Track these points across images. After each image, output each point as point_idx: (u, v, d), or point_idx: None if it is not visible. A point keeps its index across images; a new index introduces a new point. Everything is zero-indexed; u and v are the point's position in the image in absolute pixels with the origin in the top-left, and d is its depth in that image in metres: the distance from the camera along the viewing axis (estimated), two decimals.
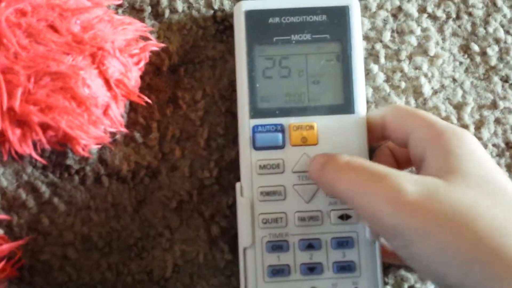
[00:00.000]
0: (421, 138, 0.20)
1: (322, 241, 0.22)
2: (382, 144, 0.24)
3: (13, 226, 0.24)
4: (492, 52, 0.26)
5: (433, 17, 0.26)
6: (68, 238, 0.24)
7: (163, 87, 0.25)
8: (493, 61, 0.26)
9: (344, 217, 0.22)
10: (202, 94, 0.25)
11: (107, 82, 0.22)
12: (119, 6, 0.25)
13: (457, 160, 0.18)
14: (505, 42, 0.26)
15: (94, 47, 0.22)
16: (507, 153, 0.26)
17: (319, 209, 0.22)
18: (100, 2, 0.23)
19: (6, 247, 0.23)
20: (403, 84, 0.26)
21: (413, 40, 0.26)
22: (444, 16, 0.26)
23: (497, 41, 0.26)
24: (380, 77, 0.25)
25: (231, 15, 0.25)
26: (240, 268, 0.22)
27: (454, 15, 0.26)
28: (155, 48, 0.24)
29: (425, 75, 0.26)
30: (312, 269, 0.22)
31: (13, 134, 0.22)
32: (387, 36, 0.26)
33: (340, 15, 0.23)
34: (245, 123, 0.22)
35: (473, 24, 0.26)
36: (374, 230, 0.20)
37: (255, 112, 0.22)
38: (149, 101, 0.24)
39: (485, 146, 0.26)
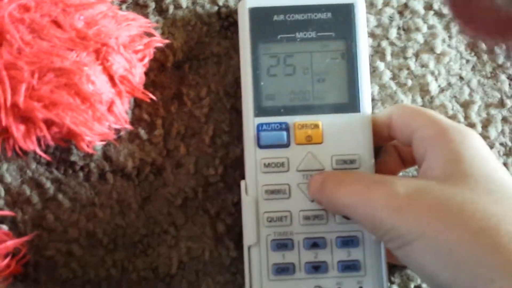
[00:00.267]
0: (424, 136, 0.20)
1: (327, 240, 0.22)
2: (389, 144, 0.24)
3: (17, 222, 0.24)
4: (499, 50, 0.26)
5: (439, 14, 0.26)
6: (73, 234, 0.24)
7: (167, 83, 0.25)
8: (500, 59, 0.26)
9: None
10: (207, 90, 0.25)
11: (111, 78, 0.22)
12: (123, 1, 0.25)
13: (458, 159, 0.18)
14: None
15: (98, 43, 0.22)
16: None
17: (323, 208, 0.22)
18: None
19: (11, 243, 0.23)
20: (409, 82, 0.25)
21: (420, 38, 0.25)
22: (450, 14, 0.26)
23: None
24: (386, 75, 0.25)
25: (235, 11, 0.25)
26: (245, 266, 0.22)
27: None
28: (159, 44, 0.24)
29: (432, 73, 0.25)
30: (316, 268, 0.22)
31: (17, 130, 0.22)
32: (393, 33, 0.25)
33: (345, 13, 0.22)
34: (250, 122, 0.22)
35: None
36: (376, 236, 0.20)
37: (260, 111, 0.22)
38: (154, 97, 0.24)
39: (492, 144, 0.25)
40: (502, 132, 0.25)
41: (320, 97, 0.22)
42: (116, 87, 0.23)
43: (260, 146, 0.22)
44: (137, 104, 0.25)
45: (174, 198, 0.25)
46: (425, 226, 0.17)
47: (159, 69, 0.25)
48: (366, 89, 0.22)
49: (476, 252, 0.16)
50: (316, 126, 0.22)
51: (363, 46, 0.23)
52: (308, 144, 0.22)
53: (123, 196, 0.25)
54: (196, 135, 0.25)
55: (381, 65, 0.25)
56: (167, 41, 0.24)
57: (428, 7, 0.26)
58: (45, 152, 0.23)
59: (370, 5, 0.25)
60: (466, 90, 0.26)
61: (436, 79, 0.25)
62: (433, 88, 0.25)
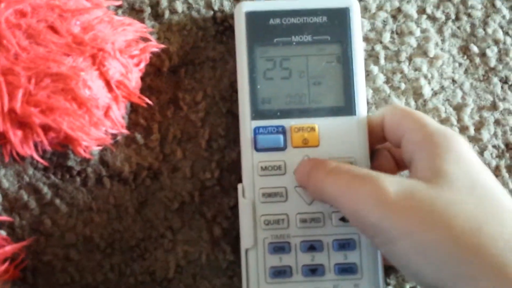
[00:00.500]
0: (411, 140, 0.20)
1: (323, 242, 0.22)
2: (380, 146, 0.24)
3: (15, 228, 0.24)
4: (492, 53, 0.26)
5: (432, 18, 0.26)
6: (70, 239, 0.24)
7: (163, 88, 0.25)
8: (493, 62, 0.26)
9: (346, 219, 0.22)
10: (202, 95, 0.25)
11: (107, 83, 0.22)
12: (119, 7, 0.25)
13: (443, 163, 0.19)
14: (504, 43, 0.26)
15: (94, 48, 0.22)
16: (507, 154, 0.26)
17: (320, 211, 0.22)
18: (99, 3, 0.23)
19: (9, 248, 0.23)
20: (403, 86, 0.26)
21: (413, 41, 0.26)
22: (443, 17, 0.26)
23: (496, 42, 0.26)
24: (380, 78, 0.26)
25: (231, 16, 0.25)
26: (242, 269, 0.22)
27: (453, 16, 0.26)
28: (155, 49, 0.24)
29: (425, 76, 0.26)
30: (313, 270, 0.22)
31: (15, 135, 0.22)
32: (386, 37, 0.26)
33: (340, 17, 0.23)
34: (246, 125, 0.22)
35: (472, 25, 0.26)
36: (358, 228, 0.20)
37: (256, 114, 0.22)
38: (150, 102, 0.24)
39: (485, 147, 0.26)
40: (495, 134, 0.26)
41: (316, 100, 0.23)
42: (112, 92, 0.23)
43: (257, 149, 0.22)
44: (134, 109, 0.25)
45: (170, 202, 0.25)
46: (410, 225, 0.17)
47: (155, 74, 0.25)
48: (362, 92, 0.23)
49: (460, 252, 0.17)
50: (313, 129, 0.22)
51: (359, 49, 0.23)
52: (305, 147, 0.22)
53: (120, 201, 0.25)
54: (192, 139, 0.25)
55: (375, 69, 0.26)
56: (163, 46, 0.25)
57: (421, 11, 0.26)
58: (42, 157, 0.24)
59: (364, 9, 0.26)
60: (459, 93, 0.26)
61: (429, 83, 0.26)
62: (426, 91, 0.26)
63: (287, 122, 0.22)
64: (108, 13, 0.23)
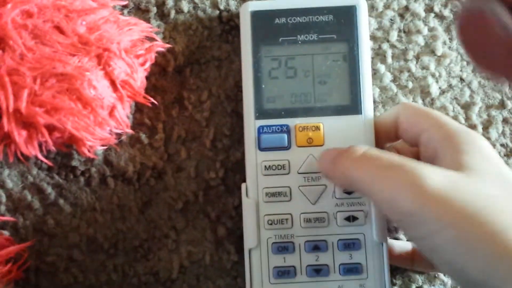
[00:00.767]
0: (433, 138, 0.20)
1: (328, 242, 0.22)
2: (388, 145, 0.24)
3: (18, 228, 0.24)
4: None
5: (440, 17, 0.26)
6: (73, 239, 0.24)
7: (169, 87, 0.25)
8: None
9: (351, 219, 0.22)
10: (208, 94, 0.25)
11: (113, 83, 0.22)
12: (125, 6, 0.25)
13: (471, 159, 0.18)
14: None
15: (100, 48, 0.22)
16: None
17: (325, 211, 0.22)
18: (105, 3, 0.23)
19: (12, 249, 0.23)
20: (410, 84, 0.25)
21: (420, 40, 0.25)
22: (451, 16, 0.26)
23: None
24: (387, 77, 0.25)
25: (236, 15, 0.25)
26: (246, 269, 0.22)
27: None
28: (161, 49, 0.24)
29: (433, 75, 0.25)
30: (318, 271, 0.22)
31: (19, 135, 0.22)
32: (394, 35, 0.25)
33: (347, 15, 0.23)
34: (251, 124, 0.22)
35: None
36: (391, 218, 0.19)
37: (261, 113, 0.22)
38: (155, 102, 0.24)
39: (493, 146, 0.25)
40: (503, 133, 0.25)
41: (321, 99, 0.22)
42: (117, 92, 0.23)
43: (261, 148, 0.22)
44: (138, 108, 0.25)
45: (174, 202, 0.25)
46: (454, 218, 0.17)
47: (161, 74, 0.25)
48: (368, 91, 0.22)
49: (504, 248, 0.16)
50: (317, 128, 0.22)
51: (365, 48, 0.23)
52: (309, 146, 0.22)
53: (124, 201, 0.25)
54: (197, 139, 0.25)
55: (382, 68, 0.25)
56: (168, 45, 0.24)
57: (429, 9, 0.26)
58: (46, 157, 0.24)
59: (371, 7, 0.25)
60: (467, 92, 0.26)
61: (437, 81, 0.25)
62: (434, 90, 0.25)
63: (292, 121, 0.22)
64: (114, 13, 0.23)
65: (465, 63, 0.26)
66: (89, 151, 0.23)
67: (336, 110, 0.22)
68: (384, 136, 0.22)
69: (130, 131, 0.24)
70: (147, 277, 0.24)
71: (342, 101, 0.22)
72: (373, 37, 0.25)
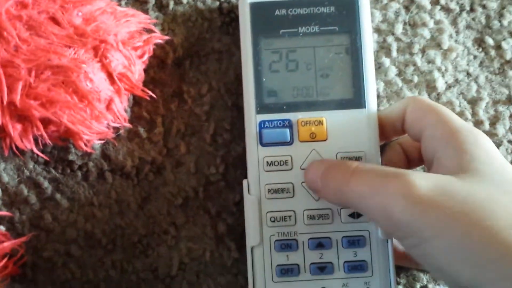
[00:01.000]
0: (434, 135, 0.19)
1: (332, 240, 0.22)
2: (393, 140, 0.23)
3: (15, 223, 0.24)
4: (507, 45, 0.25)
5: (446, 9, 0.25)
6: (71, 235, 0.24)
7: (167, 80, 0.24)
8: (508, 55, 0.25)
9: (355, 215, 0.22)
10: (207, 88, 0.24)
11: (110, 76, 0.22)
12: None
13: (472, 159, 0.18)
14: None
15: (96, 40, 0.21)
16: None
17: (329, 207, 0.22)
18: None
19: (8, 244, 0.22)
20: (415, 78, 0.25)
21: (426, 33, 0.25)
22: (457, 9, 0.25)
23: None
24: (392, 71, 0.25)
25: (237, 7, 0.24)
26: (248, 267, 0.22)
27: (468, 7, 0.25)
28: (159, 41, 0.24)
29: (439, 69, 0.25)
30: (322, 268, 0.21)
31: (14, 129, 0.21)
32: (399, 28, 0.25)
33: (349, 6, 0.22)
34: (252, 119, 0.22)
35: (488, 17, 0.25)
36: (386, 230, 0.20)
37: (262, 107, 0.22)
38: (154, 95, 0.24)
39: (500, 142, 0.25)
40: (510, 129, 0.25)
41: (324, 93, 0.22)
42: (114, 85, 0.22)
43: (263, 144, 0.22)
44: (137, 102, 0.24)
45: (174, 198, 0.24)
46: (446, 224, 0.17)
47: (159, 66, 0.24)
48: (371, 84, 0.22)
49: (501, 251, 0.16)
50: (320, 122, 0.22)
51: (368, 40, 0.22)
52: (312, 141, 0.22)
53: (122, 196, 0.24)
54: (196, 133, 0.24)
55: (386, 61, 0.25)
56: (167, 37, 0.24)
57: (435, 1, 0.25)
58: (43, 151, 0.23)
59: (376, 0, 0.25)
60: (474, 87, 0.25)
61: (443, 76, 0.25)
62: (440, 84, 0.25)
63: (294, 116, 0.22)
64: (111, 4, 0.23)
65: (472, 57, 0.25)
66: (86, 145, 0.22)
67: (339, 104, 0.22)
68: (390, 130, 0.22)
69: (128, 125, 0.24)
70: (146, 274, 0.24)
71: (345, 94, 0.22)
72: (377, 30, 0.25)
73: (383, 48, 0.25)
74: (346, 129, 0.22)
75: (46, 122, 0.21)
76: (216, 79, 0.25)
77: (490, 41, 0.25)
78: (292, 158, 0.22)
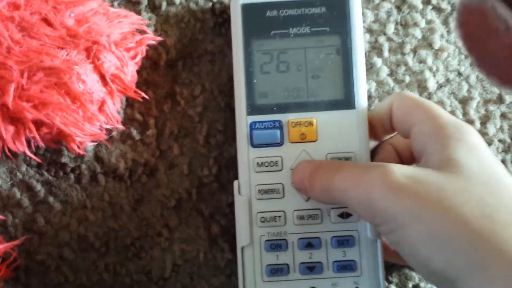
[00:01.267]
0: (422, 131, 0.20)
1: (322, 240, 0.22)
2: (385, 139, 0.23)
3: (8, 226, 0.24)
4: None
5: (437, 9, 0.25)
6: (64, 238, 0.24)
7: (160, 82, 0.24)
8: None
9: (345, 215, 0.22)
10: (200, 89, 0.25)
11: (102, 77, 0.22)
12: None
13: (454, 152, 0.18)
14: None
15: (89, 41, 0.21)
16: None
17: (318, 207, 0.22)
18: None
19: (0, 247, 0.22)
20: (407, 78, 0.25)
21: (418, 33, 0.25)
22: (449, 8, 0.25)
23: None
24: (384, 71, 0.25)
25: (229, 7, 0.24)
26: (238, 267, 0.22)
27: None
28: (152, 42, 0.24)
29: (430, 69, 0.25)
30: (311, 268, 0.22)
31: (6, 131, 0.21)
32: (390, 28, 0.25)
33: (339, 7, 0.22)
34: (242, 120, 0.22)
35: None
36: (366, 218, 0.20)
37: (253, 109, 0.22)
38: (146, 96, 0.24)
39: (491, 141, 0.25)
40: (501, 128, 0.25)
41: (314, 94, 0.22)
42: (107, 86, 0.22)
43: (253, 145, 0.22)
44: (129, 103, 0.24)
45: (167, 200, 0.24)
46: (418, 211, 0.17)
47: (152, 67, 0.24)
48: (362, 85, 0.22)
49: (471, 239, 0.16)
50: (311, 123, 0.22)
51: (359, 40, 0.22)
52: (302, 142, 0.22)
53: (115, 198, 0.24)
54: (189, 135, 0.24)
55: (378, 61, 0.25)
56: (160, 38, 0.24)
57: (426, 1, 0.25)
58: (36, 154, 0.23)
59: (367, 0, 0.25)
60: (465, 86, 0.25)
61: (434, 75, 0.25)
62: (431, 84, 0.25)
63: (284, 117, 0.22)
64: (103, 5, 0.23)
65: (463, 57, 0.25)
66: (78, 147, 0.22)
67: (329, 105, 0.22)
68: (380, 128, 0.22)
69: (121, 126, 0.24)
70: (140, 276, 0.24)
71: (336, 95, 0.22)
72: (369, 30, 0.25)
73: (374, 48, 0.25)
74: (336, 130, 0.22)
75: (38, 124, 0.21)
76: (209, 81, 0.25)
77: None
78: (282, 159, 0.22)
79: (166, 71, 0.25)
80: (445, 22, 0.25)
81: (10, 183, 0.24)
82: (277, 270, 0.21)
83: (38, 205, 0.24)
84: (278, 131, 0.22)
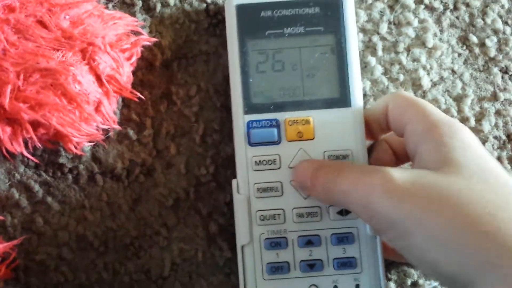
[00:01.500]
0: (415, 130, 0.20)
1: (321, 237, 0.22)
2: (381, 138, 0.23)
3: (6, 226, 0.24)
4: (491, 43, 0.25)
5: (430, 8, 0.25)
6: (63, 238, 0.24)
7: (156, 82, 0.25)
8: (492, 52, 0.25)
9: (344, 213, 0.22)
10: (196, 89, 0.25)
11: (98, 78, 0.22)
12: (110, 0, 0.25)
13: (450, 151, 0.18)
14: (504, 33, 0.25)
15: (84, 42, 0.22)
16: (509, 146, 0.25)
17: (317, 205, 0.22)
18: None
19: (0, 247, 0.22)
20: (401, 77, 0.25)
21: (411, 32, 0.25)
22: (441, 7, 0.26)
23: (496, 32, 0.25)
24: (378, 70, 0.25)
25: (223, 8, 0.24)
26: (239, 266, 0.22)
27: (451, 6, 0.26)
28: (147, 43, 0.24)
29: (424, 67, 0.25)
30: (312, 266, 0.22)
31: (3, 132, 0.21)
32: (384, 28, 0.25)
33: (333, 7, 0.22)
34: (239, 119, 0.22)
35: (471, 15, 0.26)
36: (369, 224, 0.20)
37: (249, 108, 0.22)
38: (142, 97, 0.24)
39: (486, 138, 0.25)
40: (496, 125, 0.25)
41: (310, 93, 0.22)
42: (103, 87, 0.22)
43: (251, 143, 0.22)
44: (126, 104, 0.24)
45: (165, 199, 0.24)
46: (423, 215, 0.17)
47: (147, 68, 0.25)
48: (357, 83, 0.22)
49: (479, 239, 0.16)
50: (307, 122, 0.22)
51: (353, 39, 0.22)
52: (300, 140, 0.22)
53: (113, 198, 0.24)
54: (186, 134, 0.25)
55: (372, 60, 0.25)
56: (155, 39, 0.24)
57: (419, 1, 0.25)
58: (33, 154, 0.23)
59: (360, 0, 0.25)
60: (459, 84, 0.25)
61: (428, 74, 0.25)
62: (425, 82, 0.25)
63: (281, 116, 0.22)
64: (98, 7, 0.23)
65: (456, 55, 0.25)
66: (76, 147, 0.22)
67: (325, 103, 0.22)
68: (376, 127, 0.22)
69: (117, 127, 0.24)
70: (139, 275, 0.24)
71: (331, 94, 0.22)
72: (363, 30, 0.25)
73: (368, 48, 0.25)
74: (333, 128, 0.22)
75: (35, 124, 0.21)
76: (205, 81, 0.25)
77: (474, 39, 0.25)
78: (280, 157, 0.22)
79: (161, 72, 0.25)
80: (438, 21, 0.26)
81: (8, 184, 0.24)
82: (277, 268, 0.22)
83: (36, 205, 0.24)
84: (275, 130, 0.22)
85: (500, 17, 0.26)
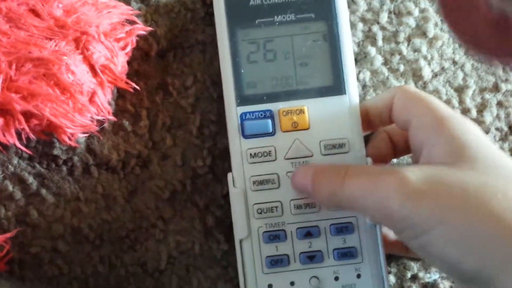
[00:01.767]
0: (422, 124, 0.19)
1: (320, 228, 0.21)
2: (380, 129, 0.23)
3: (0, 219, 0.24)
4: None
5: None
6: (57, 230, 0.24)
7: (151, 73, 0.24)
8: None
9: None
10: (192, 80, 0.24)
11: (92, 68, 0.22)
12: None
13: (462, 146, 0.18)
14: None
15: (77, 31, 0.21)
16: (511, 137, 0.25)
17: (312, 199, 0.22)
18: None
19: None
20: (402, 67, 0.25)
21: (411, 22, 0.25)
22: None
23: None
24: (378, 60, 0.25)
25: None
26: (238, 260, 0.22)
27: None
28: (142, 32, 0.24)
29: (425, 58, 0.25)
30: (312, 257, 0.21)
31: None
32: (384, 17, 0.25)
33: None
34: (233, 111, 0.22)
35: None
36: (385, 225, 0.19)
37: (242, 99, 0.22)
38: (137, 87, 0.23)
39: (488, 129, 0.25)
40: (498, 116, 0.25)
41: (303, 82, 0.22)
42: (97, 77, 0.22)
43: (245, 136, 0.22)
44: (121, 94, 0.24)
45: (161, 191, 0.24)
46: (443, 213, 0.17)
47: (143, 58, 0.24)
48: (351, 70, 0.22)
49: (505, 234, 0.16)
50: (302, 111, 0.22)
51: (345, 25, 0.22)
52: (295, 130, 0.22)
53: (109, 190, 0.24)
54: (182, 125, 0.24)
55: (372, 50, 0.25)
56: (150, 28, 0.24)
57: None
58: (27, 146, 0.23)
59: None
60: (460, 75, 0.25)
61: (429, 64, 0.25)
62: (426, 73, 0.25)
63: (275, 106, 0.22)
64: None
65: (457, 45, 0.25)
66: (70, 139, 0.22)
67: (319, 91, 0.22)
68: (377, 120, 0.22)
69: (112, 118, 0.23)
70: (135, 268, 0.24)
71: (325, 82, 0.22)
72: (362, 19, 0.25)
73: (368, 37, 0.25)
74: (328, 117, 0.21)
75: (28, 115, 0.21)
76: (201, 71, 0.24)
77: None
78: (275, 148, 0.21)
79: (157, 62, 0.24)
80: (439, 11, 0.25)
81: (1, 175, 0.24)
82: (277, 261, 0.21)
83: (30, 197, 0.24)
84: (269, 121, 0.21)
85: None
